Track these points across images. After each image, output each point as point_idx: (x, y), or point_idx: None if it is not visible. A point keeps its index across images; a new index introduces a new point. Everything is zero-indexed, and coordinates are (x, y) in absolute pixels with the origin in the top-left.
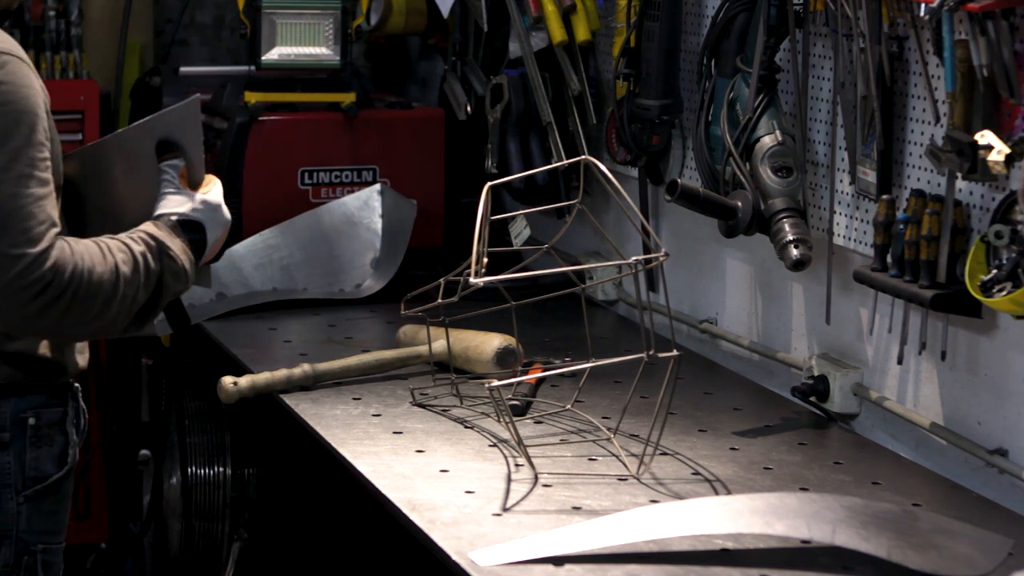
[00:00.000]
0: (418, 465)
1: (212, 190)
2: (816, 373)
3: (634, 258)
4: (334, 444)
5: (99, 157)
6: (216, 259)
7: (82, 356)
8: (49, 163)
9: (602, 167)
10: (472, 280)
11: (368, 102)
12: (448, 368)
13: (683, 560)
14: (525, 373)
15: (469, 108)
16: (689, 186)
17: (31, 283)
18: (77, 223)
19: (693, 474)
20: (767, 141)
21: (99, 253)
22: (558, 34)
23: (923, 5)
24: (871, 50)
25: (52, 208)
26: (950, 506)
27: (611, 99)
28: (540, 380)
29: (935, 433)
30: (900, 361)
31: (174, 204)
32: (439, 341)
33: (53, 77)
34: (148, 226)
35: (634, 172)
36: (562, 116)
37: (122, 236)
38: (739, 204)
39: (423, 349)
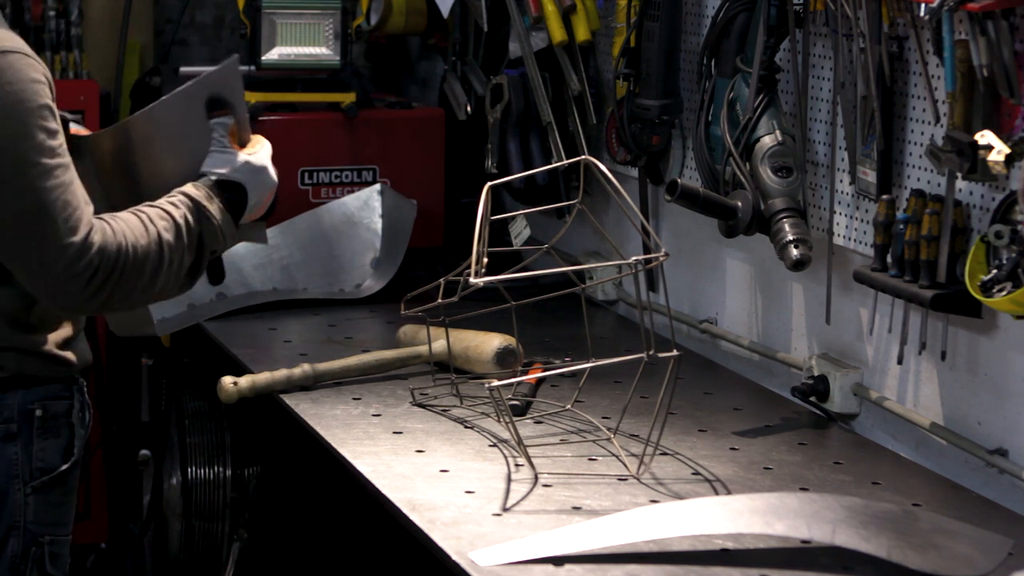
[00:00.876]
0: (418, 465)
1: (259, 151)
2: (816, 373)
3: (634, 258)
4: (334, 444)
5: (141, 129)
6: (267, 216)
7: (86, 349)
8: (65, 146)
9: (602, 167)
10: (472, 280)
11: (368, 102)
12: (448, 368)
13: (683, 560)
14: (525, 373)
15: (469, 108)
16: (689, 186)
17: (82, 270)
18: (121, 200)
19: (693, 474)
20: (767, 141)
21: (140, 226)
22: (558, 34)
23: (923, 5)
24: (871, 50)
25: (80, 188)
26: (950, 506)
27: (611, 99)
28: (540, 380)
29: (935, 433)
30: (900, 361)
31: (217, 163)
32: (439, 341)
33: (53, 77)
34: (188, 187)
35: (634, 172)
36: (562, 116)
37: (161, 202)
38: (739, 204)
39: (423, 349)
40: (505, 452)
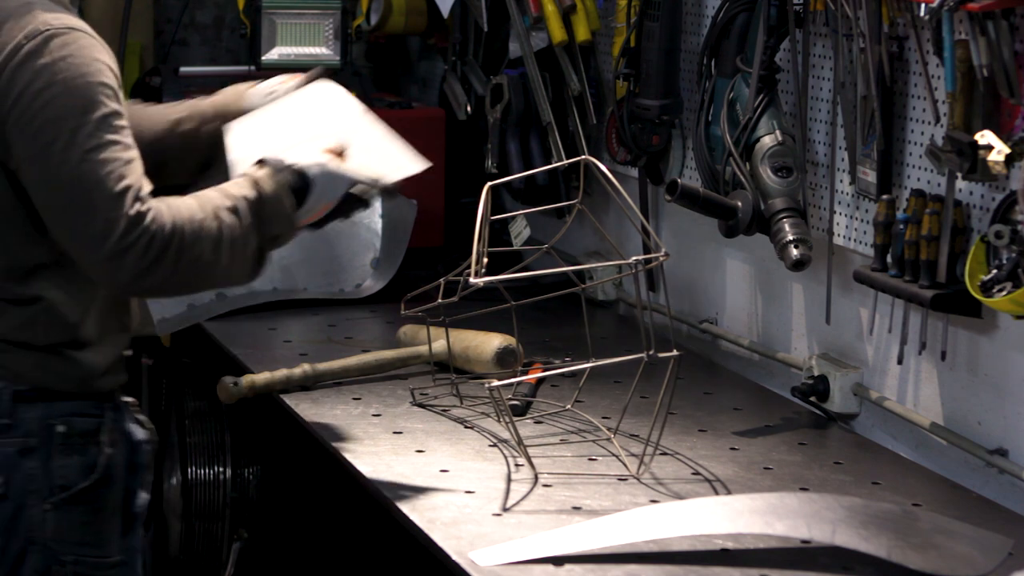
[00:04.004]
0: (418, 465)
1: (342, 164)
2: (816, 373)
3: (634, 258)
4: (334, 444)
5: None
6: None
7: (120, 373)
8: (128, 129)
9: (602, 167)
10: (472, 280)
11: (368, 102)
12: (448, 368)
13: (683, 560)
14: (525, 373)
15: (469, 108)
16: (689, 186)
17: (132, 243)
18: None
19: (693, 474)
20: (767, 141)
21: (196, 205)
22: (558, 34)
23: (923, 5)
24: (871, 50)
25: (140, 168)
26: (950, 506)
27: (611, 99)
28: (540, 380)
29: (935, 433)
30: (900, 361)
31: (297, 154)
32: (439, 341)
33: None
34: (251, 168)
35: (634, 172)
36: (562, 116)
37: (225, 184)
38: (739, 204)
39: (423, 349)
40: (505, 452)
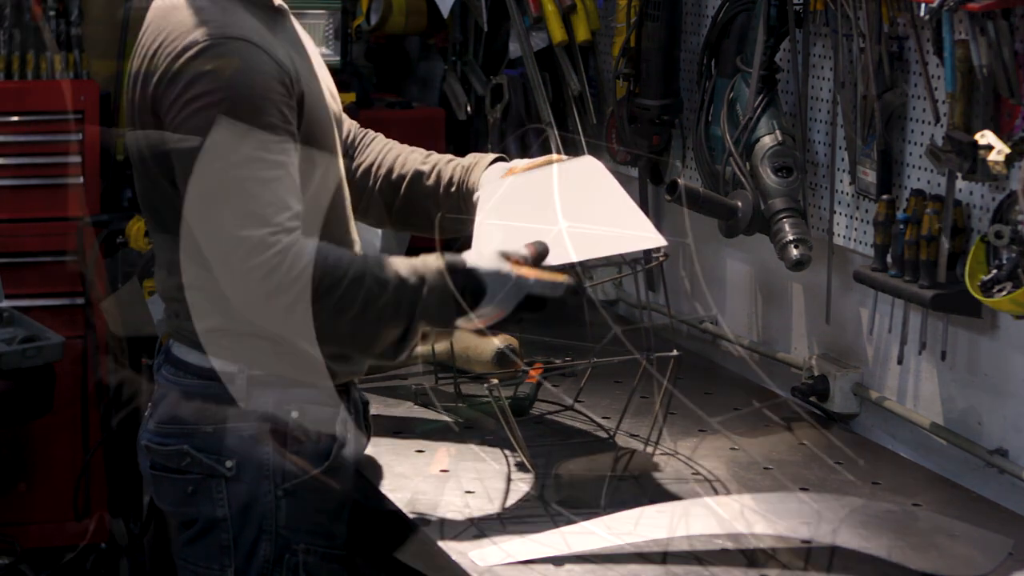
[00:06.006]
0: (418, 465)
1: (523, 271)
2: (816, 373)
3: (634, 258)
4: None
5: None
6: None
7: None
8: (286, 146)
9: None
10: None
11: (368, 102)
12: (448, 368)
13: (683, 560)
14: (526, 373)
15: (469, 108)
16: (689, 186)
17: (255, 266)
18: None
19: (693, 474)
20: (767, 141)
21: (349, 261)
22: (558, 34)
23: (923, 5)
24: (871, 50)
25: (284, 192)
26: (950, 506)
27: (611, 99)
28: (540, 380)
29: (935, 433)
30: (900, 361)
31: (479, 258)
32: (440, 341)
33: (53, 77)
34: (432, 256)
35: (634, 172)
36: (562, 116)
37: (398, 258)
38: (739, 204)
39: (423, 349)
40: (505, 452)
